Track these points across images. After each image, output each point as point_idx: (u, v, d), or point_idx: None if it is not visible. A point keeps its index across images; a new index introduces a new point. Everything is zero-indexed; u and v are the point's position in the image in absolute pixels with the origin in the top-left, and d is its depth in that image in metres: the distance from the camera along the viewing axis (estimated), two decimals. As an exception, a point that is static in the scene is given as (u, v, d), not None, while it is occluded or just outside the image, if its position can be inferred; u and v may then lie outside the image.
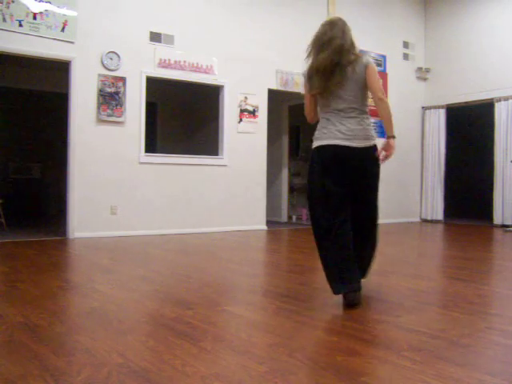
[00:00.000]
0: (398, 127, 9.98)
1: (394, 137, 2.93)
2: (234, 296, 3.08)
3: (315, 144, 2.92)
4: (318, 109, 2.99)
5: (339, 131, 2.85)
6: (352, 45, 2.97)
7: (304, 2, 7.66)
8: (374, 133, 3.01)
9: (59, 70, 6.44)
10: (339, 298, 2.96)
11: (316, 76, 2.86)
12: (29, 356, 1.88)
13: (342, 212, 2.83)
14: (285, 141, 8.87)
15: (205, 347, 2.01)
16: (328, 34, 2.90)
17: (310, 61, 2.94)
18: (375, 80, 2.87)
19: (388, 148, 2.93)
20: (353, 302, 2.69)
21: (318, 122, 3.01)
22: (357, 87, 2.86)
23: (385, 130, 2.95)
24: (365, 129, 2.92)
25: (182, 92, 9.10)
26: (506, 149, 7.91)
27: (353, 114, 2.89)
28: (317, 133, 2.94)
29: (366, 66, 2.87)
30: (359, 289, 2.73)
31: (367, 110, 2.99)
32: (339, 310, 2.65)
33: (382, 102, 2.87)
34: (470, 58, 8.49)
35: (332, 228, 2.79)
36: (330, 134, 2.85)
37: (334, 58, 2.83)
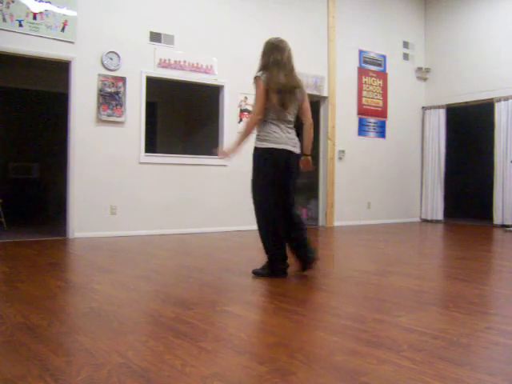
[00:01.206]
0: (398, 127, 10.01)
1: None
2: (234, 296, 3.08)
3: (268, 145, 3.48)
4: (266, 114, 3.54)
5: (288, 138, 3.52)
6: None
7: (304, 1, 7.66)
8: None
9: (59, 70, 6.44)
10: (339, 297, 2.96)
11: (283, 93, 3.47)
12: (29, 356, 1.88)
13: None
14: (285, 141, 8.86)
15: (205, 347, 2.01)
16: (286, 54, 3.57)
17: (272, 74, 3.50)
18: (309, 105, 3.70)
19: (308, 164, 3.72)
20: None
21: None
22: (297, 106, 3.60)
23: (306, 150, 3.68)
24: (297, 139, 3.64)
25: (182, 92, 9.10)
26: (506, 149, 7.91)
27: (292, 126, 3.61)
28: (264, 134, 3.51)
29: (305, 93, 3.67)
30: None
31: None
32: (339, 310, 2.65)
33: (312, 126, 3.69)
34: (470, 57, 8.50)
35: (279, 214, 3.55)
36: (283, 139, 3.49)
37: (296, 81, 3.56)
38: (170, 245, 5.48)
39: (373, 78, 8.48)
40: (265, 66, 3.57)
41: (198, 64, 6.65)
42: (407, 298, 2.96)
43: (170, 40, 6.45)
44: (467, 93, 8.49)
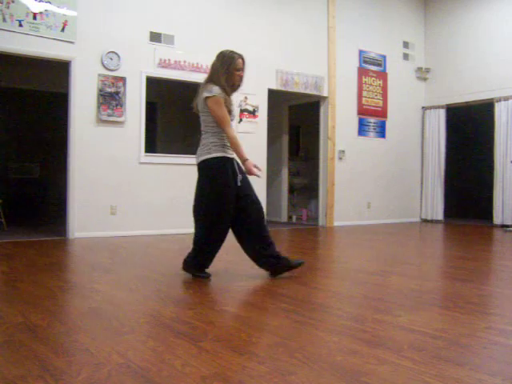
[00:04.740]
0: (398, 127, 9.99)
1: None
2: (234, 296, 3.08)
3: (228, 155, 3.43)
4: (214, 121, 3.43)
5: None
6: None
7: (304, 1, 7.66)
8: None
9: (59, 69, 6.44)
10: (339, 297, 2.97)
11: (228, 93, 3.44)
12: (29, 356, 1.88)
13: None
14: (285, 141, 8.88)
15: (205, 347, 2.01)
16: None
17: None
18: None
19: None
20: None
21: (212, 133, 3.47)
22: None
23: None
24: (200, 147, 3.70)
25: (182, 92, 9.09)
26: (506, 149, 7.91)
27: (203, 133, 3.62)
28: (221, 144, 3.42)
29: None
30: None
31: None
32: (339, 310, 2.65)
33: None
34: (470, 57, 8.50)
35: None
36: (227, 147, 3.46)
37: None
38: (170, 245, 5.48)
39: (373, 78, 8.48)
40: None
41: (197, 64, 6.65)
42: (407, 297, 2.96)
43: (170, 40, 6.45)
44: (467, 93, 8.49)
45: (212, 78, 3.42)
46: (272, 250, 3.49)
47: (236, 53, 3.45)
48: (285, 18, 7.44)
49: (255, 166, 3.40)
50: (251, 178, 3.56)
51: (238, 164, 3.49)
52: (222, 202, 3.40)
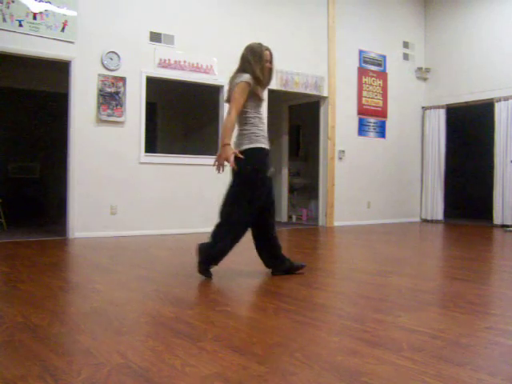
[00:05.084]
0: (398, 127, 9.98)
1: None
2: (234, 296, 3.09)
3: (267, 146, 3.39)
4: (250, 110, 3.41)
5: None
6: None
7: (304, 1, 7.66)
8: None
9: (59, 70, 6.44)
10: (339, 297, 2.97)
11: (263, 84, 3.45)
12: (29, 356, 1.88)
13: None
14: (285, 141, 8.88)
15: (205, 347, 2.01)
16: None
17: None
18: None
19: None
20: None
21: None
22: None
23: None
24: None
25: (182, 92, 9.10)
26: (506, 149, 7.91)
27: None
28: (260, 134, 3.37)
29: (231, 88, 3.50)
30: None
31: None
32: (340, 310, 2.66)
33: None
34: (470, 57, 8.50)
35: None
36: (266, 138, 3.43)
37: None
38: (170, 245, 5.48)
39: (373, 78, 8.48)
40: None
41: (197, 64, 6.65)
42: (407, 297, 2.96)
43: (170, 40, 6.45)
44: (467, 93, 8.49)
45: (244, 68, 3.44)
46: (280, 252, 3.61)
47: (263, 45, 3.51)
48: (285, 17, 7.44)
49: (236, 157, 3.30)
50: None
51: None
52: (259, 192, 3.39)
